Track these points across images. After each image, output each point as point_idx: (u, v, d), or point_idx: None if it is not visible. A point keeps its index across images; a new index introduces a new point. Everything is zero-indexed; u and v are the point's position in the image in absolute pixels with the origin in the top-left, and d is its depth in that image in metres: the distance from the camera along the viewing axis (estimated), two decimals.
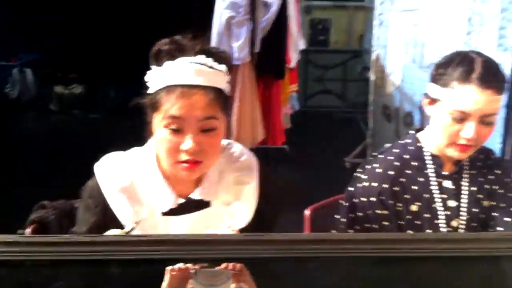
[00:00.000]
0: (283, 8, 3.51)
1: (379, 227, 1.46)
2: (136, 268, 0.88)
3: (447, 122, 1.38)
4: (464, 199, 1.50)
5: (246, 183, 1.36)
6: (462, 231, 1.48)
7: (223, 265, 0.91)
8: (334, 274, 0.93)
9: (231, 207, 1.34)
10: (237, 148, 1.41)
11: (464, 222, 1.49)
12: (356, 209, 1.49)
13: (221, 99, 1.25)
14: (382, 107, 4.14)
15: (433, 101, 1.44)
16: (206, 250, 0.88)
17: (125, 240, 0.88)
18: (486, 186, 1.52)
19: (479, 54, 1.42)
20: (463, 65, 1.38)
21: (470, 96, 1.34)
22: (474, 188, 1.51)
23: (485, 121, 1.36)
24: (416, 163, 1.51)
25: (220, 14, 3.45)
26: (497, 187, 1.52)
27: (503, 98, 1.38)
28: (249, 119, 3.67)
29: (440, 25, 3.62)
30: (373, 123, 4.36)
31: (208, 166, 1.29)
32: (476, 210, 1.50)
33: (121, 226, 1.25)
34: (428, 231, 1.47)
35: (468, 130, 1.36)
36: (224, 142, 1.38)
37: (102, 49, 6.17)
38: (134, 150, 1.35)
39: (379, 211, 1.46)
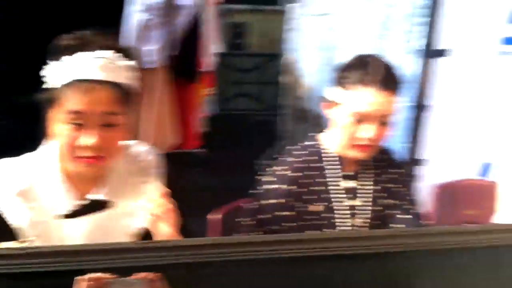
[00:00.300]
0: (199, 12, 3.47)
1: (283, 228, 1.48)
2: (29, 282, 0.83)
3: (348, 124, 1.42)
4: (367, 198, 1.54)
5: (149, 183, 1.33)
6: (366, 229, 1.52)
7: (139, 275, 0.90)
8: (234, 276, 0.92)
9: (134, 207, 1.30)
10: (142, 148, 1.40)
11: (367, 221, 1.53)
12: (260, 211, 1.50)
13: (125, 95, 1.23)
14: (296, 109, 4.20)
15: (332, 103, 1.48)
16: (102, 260, 0.84)
17: (14, 253, 0.83)
18: (388, 185, 1.57)
19: (378, 58, 1.47)
20: (363, 68, 1.43)
21: (370, 98, 1.38)
22: (377, 187, 1.55)
23: (383, 121, 1.41)
24: (317, 164, 1.54)
25: (134, 16, 3.37)
26: (397, 186, 1.58)
27: (399, 99, 1.44)
28: (165, 122, 3.61)
29: (353, 29, 3.72)
30: (288, 125, 4.42)
31: (109, 162, 1.26)
32: (378, 208, 1.54)
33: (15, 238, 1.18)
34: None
35: (368, 131, 1.40)
36: (130, 142, 1.36)
37: None
38: (27, 155, 1.29)
39: (282, 213, 1.48)
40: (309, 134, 1.61)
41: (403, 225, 1.53)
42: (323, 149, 1.55)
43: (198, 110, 4.03)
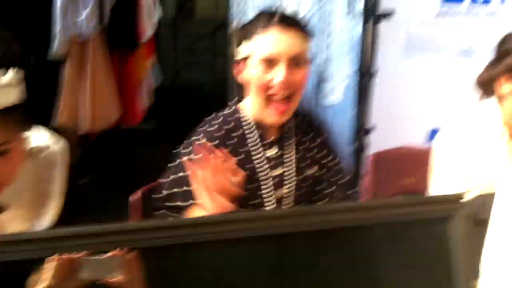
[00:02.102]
0: None
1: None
2: None
3: (258, 73, 1.36)
4: (289, 167, 1.46)
5: (49, 180, 1.24)
6: (289, 200, 1.46)
7: (111, 253, 0.88)
8: None
9: (34, 208, 1.22)
10: (44, 138, 1.26)
11: (290, 191, 1.46)
12: (175, 184, 1.41)
13: (11, 119, 1.07)
14: None
15: (242, 63, 1.42)
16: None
17: None
18: (310, 153, 1.50)
19: (281, 11, 1.44)
20: (264, 16, 1.41)
21: (274, 38, 1.35)
22: (301, 154, 1.48)
23: (295, 63, 1.37)
24: (237, 133, 1.45)
25: None
26: (320, 154, 1.51)
27: (310, 43, 1.42)
28: (103, 97, 3.45)
29: None
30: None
31: (7, 186, 1.15)
32: (305, 176, 1.48)
33: None
34: (254, 202, 1.43)
35: (279, 74, 1.35)
36: (29, 132, 1.23)
37: None
38: None
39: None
40: (229, 103, 1.53)
41: (328, 198, 1.47)
42: (242, 116, 1.46)
43: (140, 82, 3.88)
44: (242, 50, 1.43)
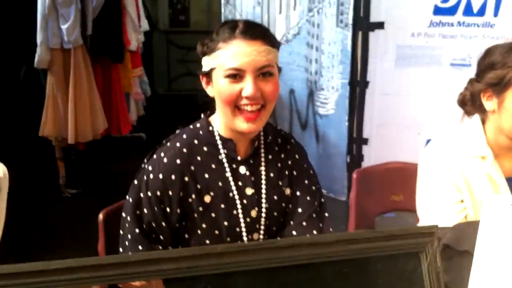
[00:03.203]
0: None
1: (166, 224, 1.31)
2: None
3: (225, 85, 1.27)
4: (262, 186, 1.37)
5: None
6: (262, 220, 1.37)
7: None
8: None
9: None
10: None
11: (262, 212, 1.37)
12: (142, 205, 1.31)
13: None
14: None
15: (208, 77, 1.33)
16: None
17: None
18: (285, 172, 1.41)
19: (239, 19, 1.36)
20: (226, 27, 1.31)
21: (237, 50, 1.26)
22: (272, 174, 1.39)
23: (262, 74, 1.28)
24: (207, 149, 1.36)
25: None
26: (294, 173, 1.42)
27: (277, 54, 1.33)
28: (88, 107, 3.37)
29: (283, 3, 3.54)
30: None
31: None
32: (276, 197, 1.38)
33: None
34: (225, 223, 1.33)
35: (247, 86, 1.26)
36: None
37: None
38: None
39: (166, 207, 1.30)
40: (202, 116, 1.44)
41: (301, 220, 1.38)
42: (214, 131, 1.37)
43: (127, 92, 3.81)
44: (207, 63, 1.34)
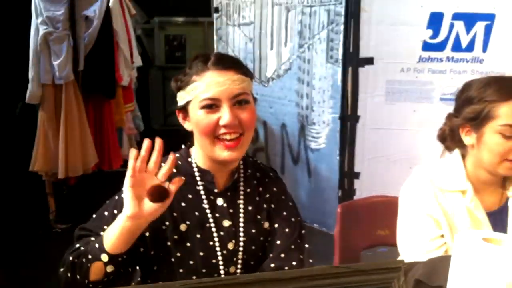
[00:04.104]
0: (107, 23, 3.26)
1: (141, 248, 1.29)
2: None
3: (202, 116, 1.28)
4: (240, 219, 1.37)
5: None
6: (240, 254, 1.35)
7: None
8: None
9: None
10: None
11: (241, 245, 1.35)
12: (118, 207, 1.31)
13: None
14: None
15: (185, 112, 1.34)
16: None
17: None
18: (263, 206, 1.41)
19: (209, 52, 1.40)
20: (199, 60, 1.34)
21: (211, 81, 1.27)
22: (250, 208, 1.39)
23: (238, 102, 1.29)
24: (185, 179, 1.36)
25: (36, 30, 3.14)
26: (273, 206, 1.42)
27: (251, 83, 1.36)
28: (78, 142, 3.37)
29: (274, 40, 3.58)
30: None
31: None
32: (254, 231, 1.37)
33: None
34: (201, 253, 1.32)
35: (224, 115, 1.26)
36: None
37: None
38: None
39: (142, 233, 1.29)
40: (183, 147, 1.45)
41: (278, 253, 1.37)
42: (193, 162, 1.38)
43: (120, 127, 3.82)
44: (182, 97, 1.35)
